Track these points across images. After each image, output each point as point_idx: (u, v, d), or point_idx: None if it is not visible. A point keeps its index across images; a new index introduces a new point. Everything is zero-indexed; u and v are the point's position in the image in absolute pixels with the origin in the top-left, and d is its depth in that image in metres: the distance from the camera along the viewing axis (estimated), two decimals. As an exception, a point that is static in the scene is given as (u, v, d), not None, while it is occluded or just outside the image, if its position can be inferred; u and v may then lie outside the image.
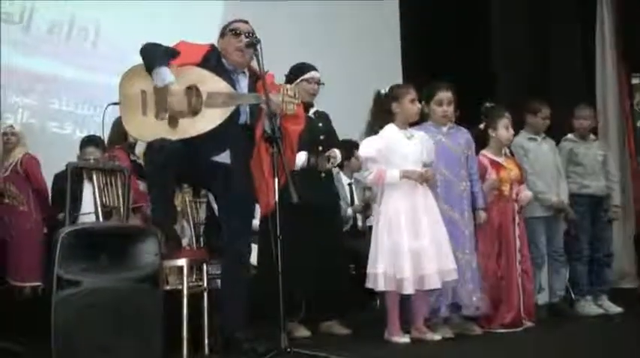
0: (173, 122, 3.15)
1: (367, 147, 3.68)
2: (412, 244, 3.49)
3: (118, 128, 4.53)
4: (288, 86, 3.32)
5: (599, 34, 6.62)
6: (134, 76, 3.22)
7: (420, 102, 3.77)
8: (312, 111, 4.07)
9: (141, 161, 4.65)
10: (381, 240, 3.57)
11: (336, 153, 4.05)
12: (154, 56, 3.18)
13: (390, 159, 3.61)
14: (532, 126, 4.68)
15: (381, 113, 3.72)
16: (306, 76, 4.03)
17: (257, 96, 3.20)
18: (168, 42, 3.34)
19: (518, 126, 4.62)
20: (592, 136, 4.96)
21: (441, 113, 3.87)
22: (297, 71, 4.04)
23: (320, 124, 4.09)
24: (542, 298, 4.43)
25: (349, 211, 5.22)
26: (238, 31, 3.34)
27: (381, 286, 3.52)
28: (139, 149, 4.71)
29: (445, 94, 3.88)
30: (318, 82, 4.06)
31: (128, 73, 3.25)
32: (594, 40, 6.62)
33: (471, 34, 7.01)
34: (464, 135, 3.95)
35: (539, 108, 4.66)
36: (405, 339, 3.51)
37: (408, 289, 3.46)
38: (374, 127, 3.73)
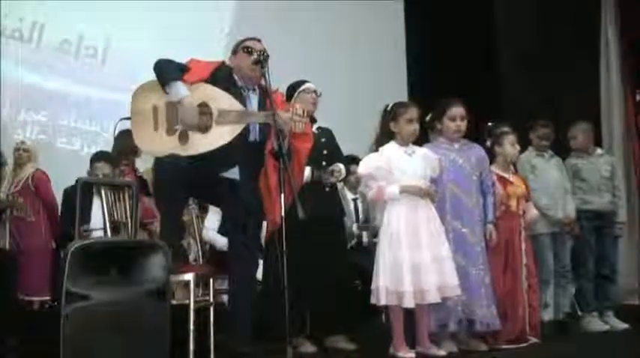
0: (183, 138, 3.19)
1: (365, 165, 3.71)
2: (412, 258, 3.50)
3: (122, 142, 4.60)
4: (297, 105, 3.37)
5: (603, 52, 6.66)
6: (146, 92, 3.27)
7: (422, 120, 3.78)
8: (315, 126, 4.12)
9: (146, 177, 4.70)
10: (382, 255, 3.58)
11: (340, 167, 4.09)
12: (168, 71, 3.24)
13: (390, 176, 3.63)
14: (537, 144, 4.72)
15: (384, 130, 3.75)
16: (303, 87, 4.09)
17: (267, 115, 3.24)
18: (177, 59, 3.38)
19: (524, 145, 4.67)
20: (598, 151, 4.98)
21: (454, 128, 3.88)
22: (294, 86, 4.11)
23: (323, 139, 4.13)
24: (548, 314, 4.43)
25: (354, 227, 5.25)
26: (251, 49, 3.39)
27: (382, 300, 3.53)
28: (145, 165, 4.77)
29: (458, 110, 3.90)
30: (316, 92, 4.11)
31: (140, 89, 3.30)
32: (599, 58, 6.66)
33: (477, 53, 7.04)
34: (476, 152, 3.96)
35: (542, 126, 4.71)
36: (411, 354, 3.50)
37: (409, 302, 3.46)
38: (379, 143, 3.76)
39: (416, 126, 3.71)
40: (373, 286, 3.59)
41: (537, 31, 6.96)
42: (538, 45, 6.92)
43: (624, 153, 6.46)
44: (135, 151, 4.58)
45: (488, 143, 4.21)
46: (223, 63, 3.48)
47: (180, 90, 3.19)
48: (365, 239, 5.30)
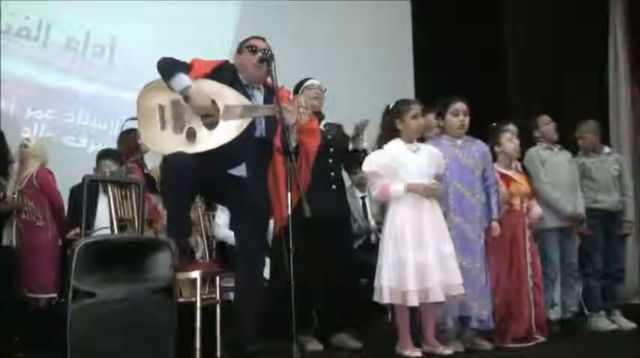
0: (190, 136, 3.19)
1: (370, 163, 3.69)
2: (416, 257, 3.49)
3: (124, 142, 4.61)
4: (301, 97, 3.38)
5: (612, 50, 6.63)
6: (152, 91, 3.28)
7: (424, 116, 3.78)
8: (322, 123, 4.11)
9: (153, 174, 4.71)
10: (386, 253, 3.57)
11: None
12: (171, 66, 3.25)
13: (395, 173, 3.62)
14: (543, 139, 4.71)
15: (388, 128, 3.75)
16: (307, 83, 4.11)
17: (273, 107, 3.24)
18: (182, 58, 3.38)
19: (531, 144, 4.67)
20: (606, 149, 4.96)
21: (457, 123, 3.88)
22: (299, 84, 4.12)
23: (329, 137, 4.12)
24: (555, 313, 4.41)
25: (372, 223, 5.24)
26: (255, 48, 3.39)
27: (386, 299, 3.52)
28: (151, 164, 4.78)
29: (461, 105, 3.89)
30: (320, 88, 4.11)
31: (146, 88, 3.30)
32: (607, 56, 6.64)
33: (484, 52, 7.02)
34: (479, 148, 3.95)
35: (542, 123, 4.71)
36: (417, 353, 3.49)
37: (413, 301, 3.45)
38: (382, 142, 3.76)
39: (421, 122, 3.71)
40: (376, 284, 3.59)
41: (543, 30, 6.93)
42: (545, 44, 6.90)
43: (632, 151, 6.44)
44: (137, 150, 4.59)
45: (490, 143, 4.21)
46: (227, 62, 3.48)
47: (183, 80, 3.20)
48: (373, 237, 5.30)
